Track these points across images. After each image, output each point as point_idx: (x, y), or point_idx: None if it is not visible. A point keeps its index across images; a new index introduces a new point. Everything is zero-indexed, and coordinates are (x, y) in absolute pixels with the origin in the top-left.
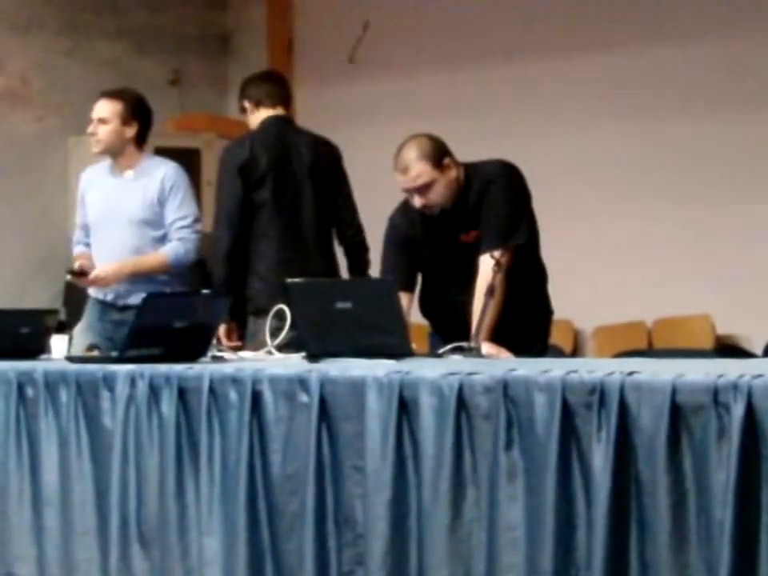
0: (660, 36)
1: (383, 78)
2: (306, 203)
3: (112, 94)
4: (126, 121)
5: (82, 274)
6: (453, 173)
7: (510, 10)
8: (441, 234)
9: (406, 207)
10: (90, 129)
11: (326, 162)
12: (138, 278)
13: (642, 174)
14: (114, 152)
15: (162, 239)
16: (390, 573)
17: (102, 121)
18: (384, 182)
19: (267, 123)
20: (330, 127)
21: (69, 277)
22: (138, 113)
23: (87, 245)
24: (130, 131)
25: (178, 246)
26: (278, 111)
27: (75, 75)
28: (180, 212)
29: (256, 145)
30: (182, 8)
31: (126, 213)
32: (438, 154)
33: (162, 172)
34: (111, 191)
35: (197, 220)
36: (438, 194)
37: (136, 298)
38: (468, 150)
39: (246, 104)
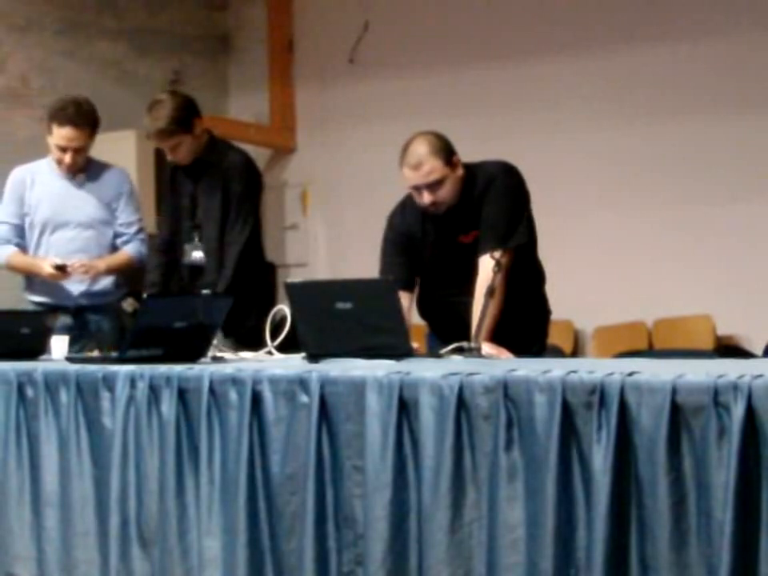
0: (661, 36)
1: (383, 78)
2: None
3: (81, 124)
4: (91, 137)
5: (61, 268)
6: (460, 171)
7: (511, 10)
8: (440, 235)
9: (404, 207)
10: (68, 159)
11: None
12: (105, 276)
13: (642, 175)
14: None
15: (109, 240)
16: (389, 573)
17: (79, 150)
18: (384, 182)
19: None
20: (330, 127)
21: (50, 269)
22: (96, 126)
23: (18, 245)
24: (91, 143)
25: (139, 245)
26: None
27: (75, 75)
28: (136, 215)
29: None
30: (181, 8)
31: (80, 215)
32: (448, 150)
33: (115, 176)
34: (62, 192)
35: (141, 220)
36: (447, 191)
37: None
38: (468, 150)
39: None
